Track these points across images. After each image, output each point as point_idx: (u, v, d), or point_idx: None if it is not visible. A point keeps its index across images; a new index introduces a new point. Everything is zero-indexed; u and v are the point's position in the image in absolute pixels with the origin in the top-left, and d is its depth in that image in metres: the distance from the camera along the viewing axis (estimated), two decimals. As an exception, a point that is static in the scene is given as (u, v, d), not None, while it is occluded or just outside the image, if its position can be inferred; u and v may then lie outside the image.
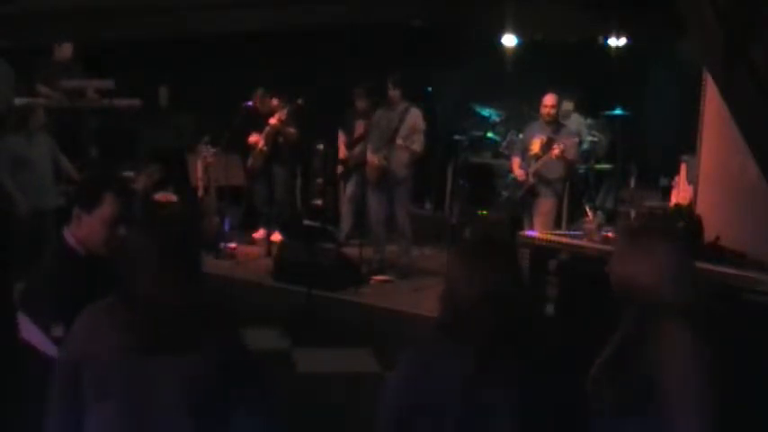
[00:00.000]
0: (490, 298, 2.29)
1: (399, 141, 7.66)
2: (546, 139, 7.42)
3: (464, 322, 2.31)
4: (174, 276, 2.38)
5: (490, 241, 2.55)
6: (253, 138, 8.72)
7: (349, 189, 8.46)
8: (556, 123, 7.55)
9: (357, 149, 8.29)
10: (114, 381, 2.33)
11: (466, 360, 2.28)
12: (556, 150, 7.24)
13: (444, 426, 2.29)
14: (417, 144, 7.70)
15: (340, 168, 8.50)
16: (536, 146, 7.45)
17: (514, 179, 7.59)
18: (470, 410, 2.28)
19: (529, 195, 7.42)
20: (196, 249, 2.58)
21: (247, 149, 8.80)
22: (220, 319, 2.49)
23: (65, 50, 8.55)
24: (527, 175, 7.42)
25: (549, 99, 7.51)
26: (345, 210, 8.44)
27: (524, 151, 7.62)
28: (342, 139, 8.59)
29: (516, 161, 7.66)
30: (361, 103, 8.35)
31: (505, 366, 2.30)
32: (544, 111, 7.51)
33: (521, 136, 8.08)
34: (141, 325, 2.33)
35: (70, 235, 2.93)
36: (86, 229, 2.89)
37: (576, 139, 7.64)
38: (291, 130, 8.62)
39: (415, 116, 7.75)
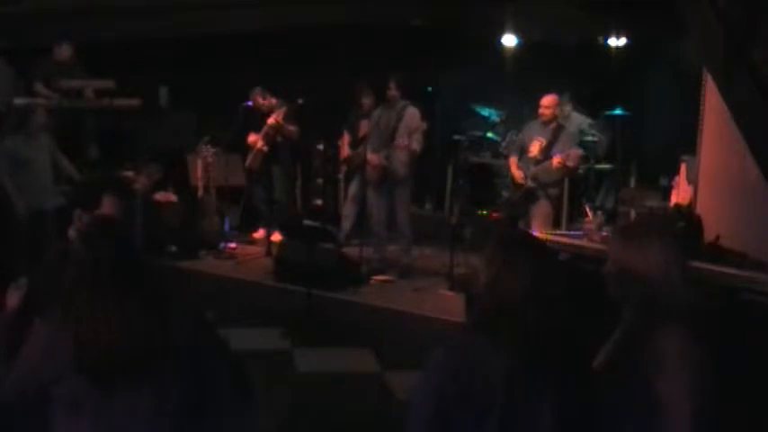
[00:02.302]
0: (534, 295, 2.23)
1: (398, 141, 7.64)
2: (545, 143, 7.34)
3: (506, 320, 2.23)
4: (114, 298, 2.23)
5: (533, 238, 2.50)
6: (251, 138, 8.70)
7: (352, 189, 8.39)
8: (555, 125, 7.46)
9: (361, 148, 8.28)
10: (85, 397, 2.23)
11: (508, 359, 2.20)
12: (556, 161, 7.17)
13: (486, 426, 2.21)
14: (416, 143, 7.67)
15: (344, 168, 8.46)
16: (535, 148, 7.38)
17: (512, 179, 7.56)
18: (512, 411, 2.20)
19: (526, 198, 7.38)
20: (139, 268, 2.36)
21: (247, 149, 8.79)
22: (187, 334, 2.33)
23: (65, 50, 8.56)
24: (525, 177, 7.38)
25: (547, 100, 7.43)
26: (347, 209, 8.39)
27: (522, 150, 7.56)
28: (346, 138, 8.55)
29: (514, 161, 7.59)
30: (367, 101, 8.28)
31: (548, 366, 2.23)
32: (541, 111, 7.44)
33: (519, 135, 8.04)
34: (93, 354, 2.19)
35: (75, 236, 2.93)
36: None
37: (580, 152, 7.52)
38: (291, 128, 8.58)
39: (414, 115, 7.72)
